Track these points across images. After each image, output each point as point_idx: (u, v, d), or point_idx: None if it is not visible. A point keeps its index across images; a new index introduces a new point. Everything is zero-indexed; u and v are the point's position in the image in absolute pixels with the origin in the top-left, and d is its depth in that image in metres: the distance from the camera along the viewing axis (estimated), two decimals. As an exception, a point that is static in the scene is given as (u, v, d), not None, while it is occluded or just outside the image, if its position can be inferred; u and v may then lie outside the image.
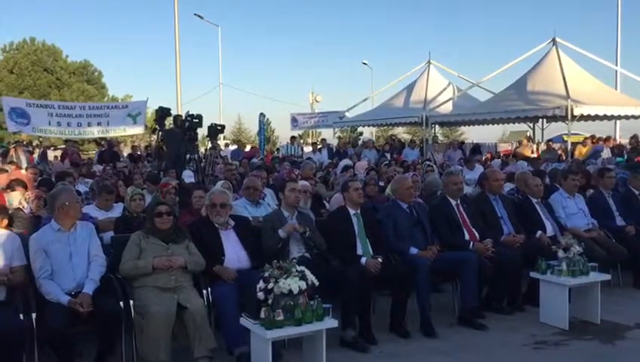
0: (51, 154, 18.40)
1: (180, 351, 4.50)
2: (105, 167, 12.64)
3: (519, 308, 5.95)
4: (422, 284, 5.36)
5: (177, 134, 10.57)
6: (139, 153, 17.30)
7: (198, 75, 75.33)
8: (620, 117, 18.13)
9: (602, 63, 19.08)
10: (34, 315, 4.26)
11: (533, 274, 5.70)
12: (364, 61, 42.29)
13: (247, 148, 21.22)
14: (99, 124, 17.45)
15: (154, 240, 4.80)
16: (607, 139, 17.30)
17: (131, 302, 4.55)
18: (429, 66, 21.43)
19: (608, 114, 16.52)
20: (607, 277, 5.74)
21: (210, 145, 12.21)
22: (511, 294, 5.98)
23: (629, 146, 16.64)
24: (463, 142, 21.44)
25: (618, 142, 18.21)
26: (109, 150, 16.27)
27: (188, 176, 10.22)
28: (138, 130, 18.67)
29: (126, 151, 19.31)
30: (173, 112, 12.70)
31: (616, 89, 19.78)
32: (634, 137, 17.78)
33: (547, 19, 71.12)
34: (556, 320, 5.47)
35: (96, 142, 20.11)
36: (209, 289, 4.82)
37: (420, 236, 5.79)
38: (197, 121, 10.25)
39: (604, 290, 5.65)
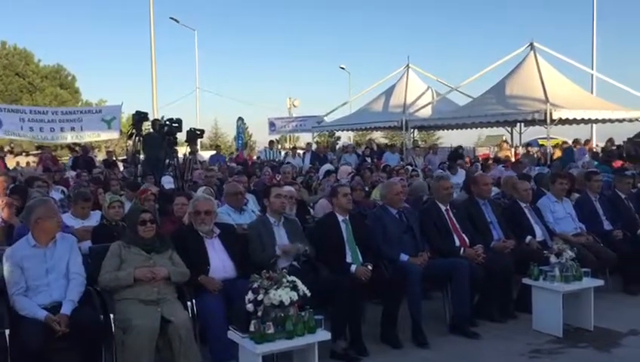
0: (24, 161, 17.92)
1: (164, 366, 4.28)
2: (80, 173, 12.27)
3: (511, 315, 5.84)
4: (413, 292, 5.21)
5: (156, 139, 10.29)
6: (114, 159, 16.93)
7: (174, 80, 74.55)
8: (596, 121, 18.31)
9: (579, 67, 19.31)
10: (7, 332, 3.99)
11: (525, 281, 5.59)
12: (342, 65, 42.26)
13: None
14: (72, 129, 16.98)
15: (135, 250, 4.57)
16: (587, 142, 17.46)
17: (112, 315, 4.30)
18: (407, 70, 21.44)
19: (586, 118, 16.66)
20: (600, 282, 5.65)
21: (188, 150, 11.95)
22: (502, 301, 5.87)
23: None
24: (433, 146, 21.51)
25: (594, 147, 18.39)
26: (83, 156, 15.86)
27: (167, 182, 9.95)
28: (113, 135, 18.23)
29: (100, 157, 18.91)
30: (150, 117, 12.42)
31: (592, 93, 20.00)
32: (610, 140, 18.01)
33: (525, 24, 72.03)
34: (550, 327, 5.36)
35: (70, 147, 19.60)
36: (194, 301, 4.59)
37: (410, 242, 5.64)
38: (177, 125, 10.00)
39: (595, 296, 5.56)
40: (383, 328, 5.21)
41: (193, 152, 10.99)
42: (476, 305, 5.74)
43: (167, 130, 9.98)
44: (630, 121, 17.77)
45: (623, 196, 7.39)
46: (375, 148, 19.92)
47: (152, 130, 10.87)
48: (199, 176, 10.72)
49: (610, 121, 17.60)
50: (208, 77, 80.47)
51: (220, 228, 5.12)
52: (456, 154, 17.32)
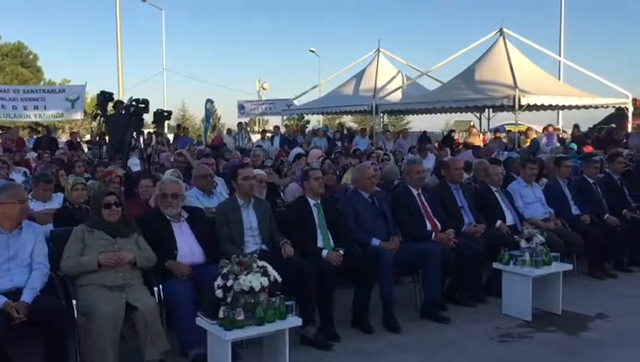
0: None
1: (130, 353, 4.14)
2: (42, 154, 11.89)
3: (480, 299, 5.86)
4: (385, 277, 5.17)
5: (121, 120, 10.00)
6: (78, 140, 16.48)
7: (141, 60, 73.12)
8: (563, 107, 18.54)
9: (547, 54, 19.50)
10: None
11: (495, 265, 5.60)
12: (312, 49, 41.90)
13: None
14: (35, 108, 16.52)
15: (99, 234, 4.40)
16: (557, 129, 17.72)
17: (74, 302, 4.14)
18: (378, 54, 21.32)
19: (553, 104, 16.83)
20: (568, 267, 5.72)
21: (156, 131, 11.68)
22: (472, 285, 5.87)
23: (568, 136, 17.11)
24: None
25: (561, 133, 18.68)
26: (47, 136, 15.40)
27: (135, 165, 9.71)
28: (77, 115, 17.80)
29: (64, 139, 18.41)
30: (116, 98, 12.08)
31: (559, 79, 20.24)
32: (576, 126, 18.32)
33: (494, 9, 72.50)
34: (519, 311, 5.39)
35: (31, 128, 19.05)
36: (161, 286, 4.45)
37: (382, 227, 5.59)
38: (143, 106, 9.72)
39: (562, 280, 5.60)
40: (354, 313, 5.16)
41: (160, 134, 10.73)
42: (447, 290, 5.74)
43: (133, 110, 9.69)
44: (596, 107, 18.07)
45: (591, 181, 7.47)
46: (345, 132, 19.85)
47: (115, 111, 10.57)
48: (166, 159, 10.50)
49: (577, 107, 17.83)
50: (176, 58, 78.97)
51: (188, 212, 4.97)
52: (424, 138, 17.38)
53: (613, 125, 18.23)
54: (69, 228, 4.57)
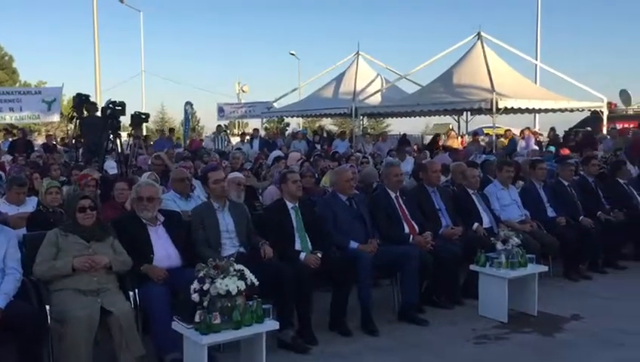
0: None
1: (104, 359, 4.09)
2: (16, 157, 11.70)
3: (458, 301, 5.89)
4: (363, 279, 5.17)
5: (96, 122, 9.89)
6: (54, 143, 16.27)
7: (119, 62, 72.41)
8: (540, 110, 18.79)
9: (524, 58, 19.75)
10: None
11: (472, 267, 5.64)
12: (292, 51, 41.93)
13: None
14: (11, 109, 16.29)
15: (74, 238, 4.33)
16: (535, 132, 17.94)
17: (48, 307, 4.07)
18: (357, 57, 21.43)
19: (530, 107, 17.08)
20: (544, 268, 5.79)
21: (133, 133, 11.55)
22: (450, 287, 5.91)
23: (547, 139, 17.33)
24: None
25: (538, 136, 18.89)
26: (22, 139, 15.17)
27: (111, 168, 9.60)
28: (53, 117, 17.60)
29: (40, 141, 18.16)
30: (93, 100, 11.93)
31: (536, 83, 20.50)
32: (552, 129, 18.55)
33: (472, 13, 73.41)
34: (495, 313, 5.43)
35: (7, 130, 18.74)
36: (136, 290, 4.40)
37: (361, 229, 5.60)
38: (120, 108, 9.61)
39: (538, 281, 5.66)
40: (332, 316, 5.15)
41: (137, 137, 10.62)
42: (424, 292, 5.76)
43: (110, 113, 9.58)
44: (572, 111, 18.34)
45: (566, 184, 7.56)
46: (325, 135, 19.89)
47: (91, 113, 10.45)
48: (144, 162, 10.40)
49: (553, 110, 18.09)
50: (155, 60, 78.46)
51: (164, 216, 4.92)
52: (403, 141, 17.48)
53: (589, 128, 18.50)
54: (43, 232, 4.50)
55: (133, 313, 4.18)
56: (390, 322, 5.37)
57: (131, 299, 4.33)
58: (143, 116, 10.67)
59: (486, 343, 4.93)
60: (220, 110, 26.44)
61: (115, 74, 64.19)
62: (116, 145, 9.72)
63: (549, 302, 5.77)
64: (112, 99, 9.87)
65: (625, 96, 22.04)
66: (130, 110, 10.41)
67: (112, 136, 9.72)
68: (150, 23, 71.15)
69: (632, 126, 18.13)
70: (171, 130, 21.65)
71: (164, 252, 4.68)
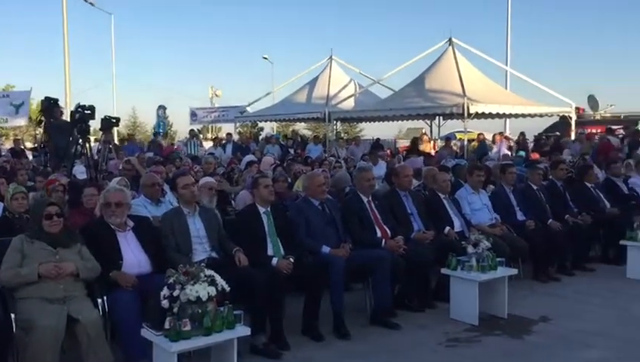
0: None
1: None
2: (-18, 162, 11.45)
3: (429, 304, 5.93)
4: (336, 284, 5.17)
5: (63, 126, 9.71)
6: (22, 147, 15.94)
7: (89, 66, 71.38)
8: (510, 115, 19.06)
9: (494, 63, 20.03)
10: None
11: (444, 271, 5.68)
12: (265, 56, 41.84)
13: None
14: (-22, 113, 15.95)
15: (40, 245, 4.25)
16: (507, 137, 18.21)
17: (12, 315, 3.98)
18: (331, 62, 21.48)
19: (500, 112, 17.29)
20: (514, 271, 5.85)
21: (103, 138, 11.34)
22: (422, 291, 5.94)
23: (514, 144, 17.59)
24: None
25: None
26: (-12, 143, 14.86)
27: (80, 172, 9.43)
28: (21, 121, 17.29)
29: (8, 146, 17.79)
30: (62, 104, 11.74)
31: (506, 88, 20.80)
32: (522, 134, 18.85)
33: (444, 19, 74.40)
34: (466, 316, 5.48)
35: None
36: (105, 297, 4.33)
37: (333, 234, 5.60)
38: (89, 112, 9.45)
39: (508, 284, 5.73)
40: (305, 321, 5.14)
41: (108, 141, 10.46)
42: (397, 296, 5.79)
43: (79, 117, 9.42)
44: (541, 116, 18.66)
45: (535, 188, 7.68)
46: (299, 139, 19.88)
47: (59, 118, 10.27)
48: (115, 166, 10.26)
49: (523, 115, 18.36)
50: (127, 64, 77.61)
51: (134, 221, 4.85)
52: (377, 146, 17.56)
53: (558, 133, 18.85)
54: (8, 238, 4.39)
55: (102, 320, 4.12)
56: (363, 326, 5.37)
57: (99, 307, 4.27)
58: (114, 120, 10.50)
59: (457, 346, 4.97)
60: (193, 114, 26.27)
61: (86, 78, 63.30)
62: (86, 149, 9.56)
63: (518, 305, 5.85)
64: (81, 103, 9.69)
65: (593, 101, 22.56)
66: (101, 114, 10.27)
67: (81, 140, 9.56)
68: (122, 26, 70.28)
69: (599, 131, 18.55)
70: (156, 133, 21.26)
71: (134, 258, 4.61)
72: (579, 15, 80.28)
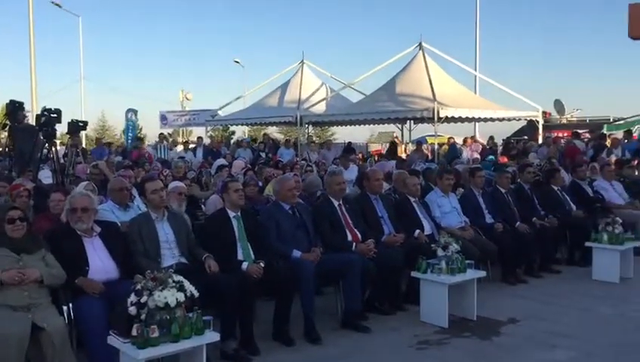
0: None
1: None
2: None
3: (400, 307, 5.96)
4: (306, 288, 5.16)
5: (27, 130, 9.51)
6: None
7: (56, 69, 70.12)
8: (479, 119, 19.34)
9: (463, 68, 20.31)
10: None
11: (414, 274, 5.71)
12: (236, 59, 41.63)
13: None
14: (-62, 117, 15.46)
15: (3, 251, 4.14)
16: (477, 141, 18.45)
17: (-26, 324, 3.88)
18: (302, 66, 21.51)
19: (470, 116, 17.55)
20: (482, 273, 5.92)
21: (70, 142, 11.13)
22: (392, 294, 5.97)
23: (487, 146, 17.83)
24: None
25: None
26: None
27: (46, 177, 9.23)
28: (-15, 125, 16.83)
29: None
30: (27, 107, 11.49)
31: (475, 93, 21.10)
32: (491, 138, 19.13)
33: (414, 24, 75.17)
34: (436, 318, 5.52)
35: None
36: (70, 305, 4.25)
37: (304, 238, 5.58)
38: (55, 116, 9.26)
39: (477, 286, 5.78)
40: (275, 326, 5.12)
41: (75, 145, 10.25)
42: (367, 299, 5.80)
43: (45, 120, 9.22)
44: (509, 120, 18.97)
45: (503, 191, 7.78)
46: (271, 143, 19.82)
47: (21, 121, 10.05)
48: (83, 171, 10.08)
49: (492, 119, 18.66)
50: (95, 67, 76.41)
51: (101, 227, 4.77)
52: (349, 149, 17.61)
53: (525, 137, 19.17)
54: (-31, 245, 4.28)
55: (67, 328, 4.05)
56: (334, 330, 5.37)
57: (65, 314, 4.19)
58: (81, 124, 10.30)
59: (427, 348, 5.00)
60: (163, 118, 26.03)
61: (53, 81, 62.17)
62: (52, 153, 9.36)
63: (487, 306, 5.91)
64: (47, 107, 9.50)
65: (559, 105, 23.00)
66: (68, 118, 10.07)
67: (47, 144, 9.36)
68: (90, 29, 69.17)
69: (565, 135, 18.94)
70: (140, 138, 20.94)
71: (101, 264, 4.53)
72: (547, 19, 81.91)
